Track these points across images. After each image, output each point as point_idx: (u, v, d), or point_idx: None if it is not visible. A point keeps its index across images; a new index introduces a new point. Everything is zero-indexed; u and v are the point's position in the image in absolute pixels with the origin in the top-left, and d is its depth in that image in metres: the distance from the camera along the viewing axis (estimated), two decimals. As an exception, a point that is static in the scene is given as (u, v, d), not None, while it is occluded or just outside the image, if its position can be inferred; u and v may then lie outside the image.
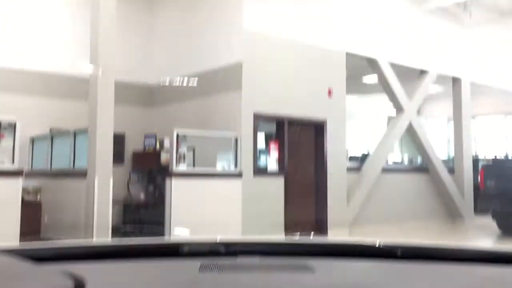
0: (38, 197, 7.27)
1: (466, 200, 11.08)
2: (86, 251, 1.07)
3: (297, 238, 1.41)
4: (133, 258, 1.04)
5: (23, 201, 5.51)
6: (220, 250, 1.09)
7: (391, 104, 10.49)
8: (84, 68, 6.45)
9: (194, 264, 0.99)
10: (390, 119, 12.46)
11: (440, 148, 12.18)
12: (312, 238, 1.72)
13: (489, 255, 1.09)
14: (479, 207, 9.97)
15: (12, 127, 5.39)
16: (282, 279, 0.93)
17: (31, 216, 6.09)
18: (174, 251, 1.10)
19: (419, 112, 11.48)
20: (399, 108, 10.10)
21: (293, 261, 1.04)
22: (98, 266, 0.94)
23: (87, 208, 6.06)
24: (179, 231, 5.49)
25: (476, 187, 10.64)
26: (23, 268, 0.80)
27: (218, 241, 1.13)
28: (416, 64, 10.42)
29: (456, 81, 11.52)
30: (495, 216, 8.94)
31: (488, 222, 9.10)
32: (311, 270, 0.96)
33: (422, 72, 10.60)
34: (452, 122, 12.05)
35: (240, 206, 7.24)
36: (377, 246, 1.12)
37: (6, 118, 5.43)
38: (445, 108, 13.47)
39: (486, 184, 9.12)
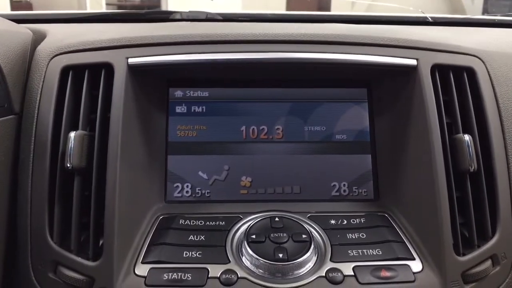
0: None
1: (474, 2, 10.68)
2: (69, 16, 0.99)
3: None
4: (114, 22, 0.96)
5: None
6: (216, 17, 0.98)
7: None
8: None
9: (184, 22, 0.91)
10: None
11: None
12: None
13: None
14: (489, 10, 9.68)
15: None
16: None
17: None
18: (164, 17, 1.00)
19: None
20: None
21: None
22: (73, 25, 0.86)
23: (79, 5, 5.82)
24: None
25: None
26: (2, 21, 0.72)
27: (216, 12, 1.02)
28: None
29: None
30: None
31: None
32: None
33: None
34: None
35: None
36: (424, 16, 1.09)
37: None
38: None
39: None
